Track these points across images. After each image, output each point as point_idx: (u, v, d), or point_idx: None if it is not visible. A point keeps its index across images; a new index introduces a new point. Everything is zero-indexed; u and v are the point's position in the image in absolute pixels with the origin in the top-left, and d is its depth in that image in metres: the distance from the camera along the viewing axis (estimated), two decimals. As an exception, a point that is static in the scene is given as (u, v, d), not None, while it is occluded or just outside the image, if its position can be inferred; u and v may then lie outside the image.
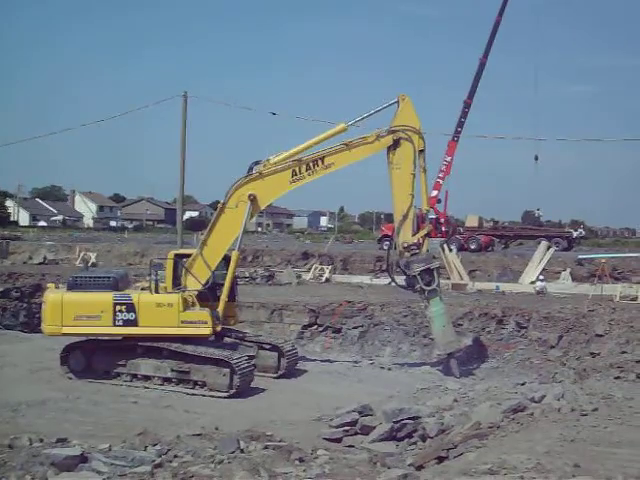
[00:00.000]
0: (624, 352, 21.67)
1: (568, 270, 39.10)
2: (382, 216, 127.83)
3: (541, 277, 35.80)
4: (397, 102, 23.99)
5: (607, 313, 26.29)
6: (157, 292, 22.30)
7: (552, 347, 25.73)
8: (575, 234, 68.91)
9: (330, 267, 42.65)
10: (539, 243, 44.41)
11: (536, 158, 61.30)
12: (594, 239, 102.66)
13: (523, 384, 20.16)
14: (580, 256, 46.67)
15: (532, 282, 37.09)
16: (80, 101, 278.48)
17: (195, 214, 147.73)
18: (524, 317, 27.27)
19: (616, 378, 19.09)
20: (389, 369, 25.45)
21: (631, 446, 11.82)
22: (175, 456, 10.16)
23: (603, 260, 39.18)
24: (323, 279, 40.38)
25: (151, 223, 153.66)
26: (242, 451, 10.72)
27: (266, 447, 11.25)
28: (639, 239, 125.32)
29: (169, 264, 23.12)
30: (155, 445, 11.06)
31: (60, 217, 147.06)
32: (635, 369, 19.20)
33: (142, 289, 23.03)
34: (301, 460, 10.93)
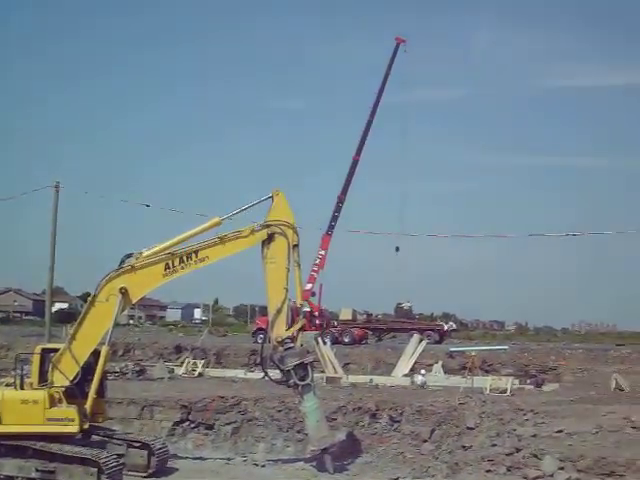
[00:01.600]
0: (494, 445, 21.99)
1: (440, 363, 39.76)
2: (257, 309, 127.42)
3: (422, 372, 36.19)
4: (271, 197, 24.20)
5: (478, 406, 26.67)
6: (22, 388, 21.58)
7: (425, 441, 25.84)
8: (446, 327, 70.47)
9: (203, 361, 42.16)
10: (411, 336, 45.12)
11: (397, 249, 62.81)
12: (465, 331, 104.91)
13: (396, 479, 20.14)
14: (451, 349, 47.59)
15: (406, 375, 37.52)
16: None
17: (65, 306, 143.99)
18: (397, 411, 27.37)
19: (487, 472, 19.37)
20: (263, 466, 25.07)
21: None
22: None
23: (473, 353, 40.07)
24: (196, 373, 39.84)
25: (19, 315, 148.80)
26: None
27: None
28: (508, 332, 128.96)
29: (35, 359, 22.37)
30: None
31: None
32: (505, 462, 19.49)
33: (7, 385, 22.25)
34: None
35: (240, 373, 39.96)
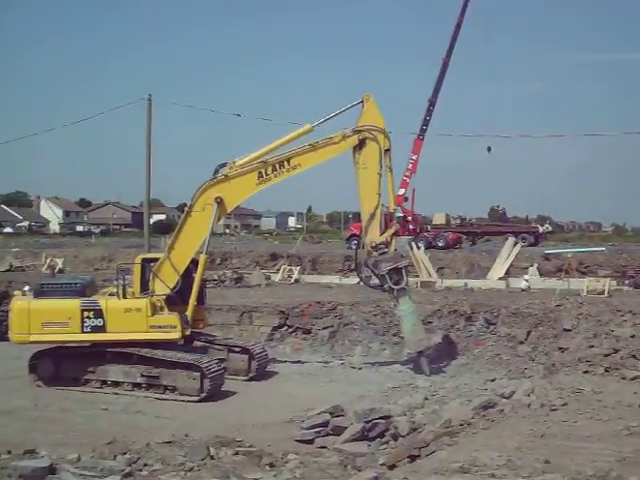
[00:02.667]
0: (592, 346, 21.81)
1: (535, 265, 39.29)
2: (350, 215, 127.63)
3: (526, 276, 35.70)
4: (362, 102, 24.02)
5: (574, 307, 26.42)
6: (125, 297, 22.18)
7: (521, 343, 25.82)
8: (542, 229, 69.38)
9: (299, 268, 42.55)
10: (506, 239, 44.67)
11: (489, 149, 61.62)
12: (561, 234, 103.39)
13: (493, 380, 20.23)
14: (547, 251, 46.96)
15: (501, 278, 37.30)
16: (46, 106, 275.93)
17: (162, 217, 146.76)
18: (493, 313, 27.36)
19: (585, 372, 19.26)
20: (359, 369, 25.46)
21: (601, 440, 11.91)
22: (145, 465, 10.08)
23: (570, 255, 39.52)
24: (292, 280, 40.25)
25: (118, 227, 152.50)
26: (212, 458, 10.67)
27: (236, 453, 11.20)
28: (605, 233, 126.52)
29: (137, 269, 23.00)
30: (124, 454, 10.96)
31: (25, 223, 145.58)
32: (603, 363, 19.38)
33: (110, 295, 22.86)
34: (271, 465, 10.91)
35: (335, 279, 40.22)
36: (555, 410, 14.11)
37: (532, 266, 39.08)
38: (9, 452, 10.68)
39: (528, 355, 25.05)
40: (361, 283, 26.67)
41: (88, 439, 14.74)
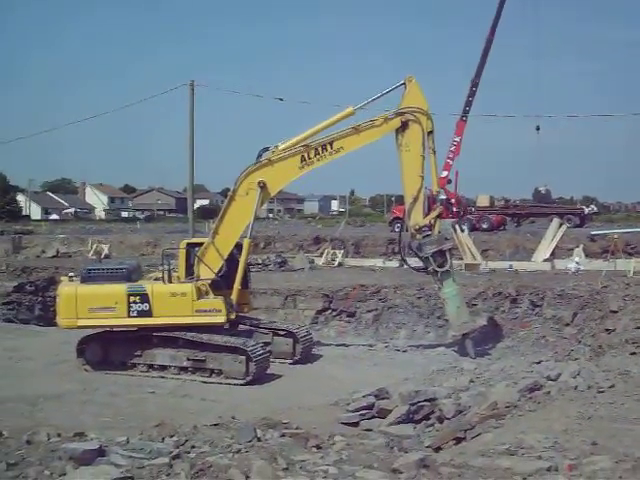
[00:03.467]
0: (639, 327, 21.59)
1: (581, 246, 38.91)
2: (393, 198, 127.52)
3: (576, 259, 35.30)
4: (404, 84, 23.91)
5: (621, 289, 26.19)
6: (170, 282, 22.35)
7: (567, 325, 25.67)
8: (587, 210, 68.78)
9: (342, 251, 42.59)
10: (551, 220, 44.29)
11: (537, 128, 60.84)
12: (606, 215, 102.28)
13: (539, 363, 20.06)
14: (592, 232, 46.51)
15: (546, 259, 37.04)
16: (89, 93, 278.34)
17: (206, 202, 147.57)
18: (538, 295, 27.19)
19: (632, 354, 19.05)
20: (404, 351, 25.50)
21: (649, 422, 11.80)
22: (193, 447, 10.17)
23: (615, 236, 39.02)
24: (335, 263, 40.31)
25: (162, 213, 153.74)
26: (259, 440, 10.74)
27: (283, 435, 11.27)
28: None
29: (181, 253, 23.17)
30: (172, 436, 11.06)
31: (72, 210, 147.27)
32: (651, 344, 19.16)
33: (155, 279, 23.05)
34: (318, 447, 10.95)
35: (378, 262, 40.23)
36: (602, 392, 13.98)
37: (578, 247, 38.70)
38: (59, 435, 10.83)
39: (574, 337, 24.91)
40: (405, 266, 26.63)
41: (136, 422, 14.90)
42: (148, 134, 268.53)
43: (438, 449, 13.02)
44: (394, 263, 37.13)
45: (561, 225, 41.02)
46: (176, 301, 21.88)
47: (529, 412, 13.60)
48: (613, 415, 12.36)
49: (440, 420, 15.66)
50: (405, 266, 26.60)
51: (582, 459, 9.88)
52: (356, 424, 16.39)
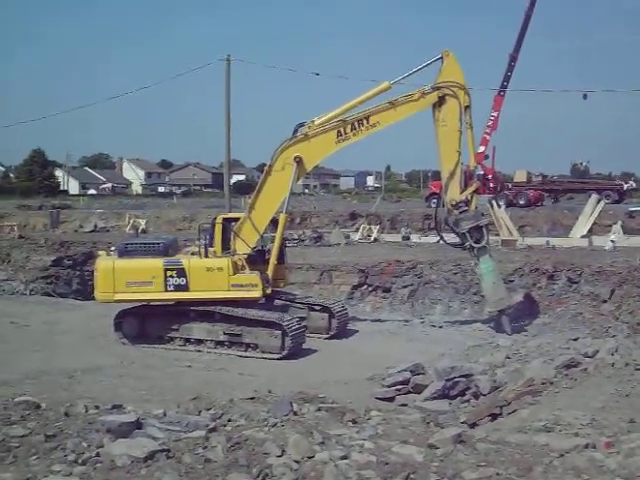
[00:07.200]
0: (678, 304, 21.45)
1: (619, 223, 38.56)
2: (429, 174, 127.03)
3: (613, 237, 34.98)
4: (441, 58, 23.70)
5: (660, 265, 25.92)
6: (207, 257, 22.43)
7: (604, 301, 25.45)
8: (626, 186, 67.98)
9: (378, 227, 42.54)
10: (589, 196, 43.92)
11: (584, 97, 59.92)
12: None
13: (576, 339, 19.97)
14: (631, 208, 46.10)
15: (584, 236, 36.77)
16: (126, 69, 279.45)
17: (242, 178, 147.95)
18: (575, 272, 26.96)
19: (670, 331, 18.92)
20: (440, 327, 25.46)
21: (687, 399, 11.70)
22: (229, 420, 10.21)
23: (654, 211, 38.59)
24: (371, 239, 40.30)
25: (199, 188, 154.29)
26: (295, 414, 10.76)
27: (319, 409, 11.27)
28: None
29: (218, 228, 23.18)
30: (209, 409, 11.13)
31: (109, 185, 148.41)
32: (689, 321, 19.00)
33: (192, 254, 23.13)
34: (354, 421, 10.97)
35: (415, 237, 40.16)
36: (639, 369, 13.90)
37: (616, 224, 38.36)
38: (97, 407, 10.93)
39: (612, 314, 24.70)
40: (441, 241, 26.54)
41: (173, 395, 15.01)
42: (185, 109, 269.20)
43: (474, 425, 13.02)
44: (430, 238, 37.03)
45: (599, 201, 40.65)
46: (212, 275, 21.95)
47: (566, 389, 13.56)
48: (651, 393, 12.28)
49: (476, 396, 15.65)
50: (442, 241, 26.47)
51: (620, 436, 9.82)
52: (391, 399, 16.42)
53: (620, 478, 8.18)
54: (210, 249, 22.71)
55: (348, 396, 15.31)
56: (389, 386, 17.00)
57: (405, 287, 28.66)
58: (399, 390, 16.78)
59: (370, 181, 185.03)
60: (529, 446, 9.44)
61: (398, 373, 17.38)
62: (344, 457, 8.50)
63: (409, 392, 16.74)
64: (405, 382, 16.97)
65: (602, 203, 40.70)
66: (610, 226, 38.48)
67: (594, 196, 42.49)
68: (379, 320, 26.51)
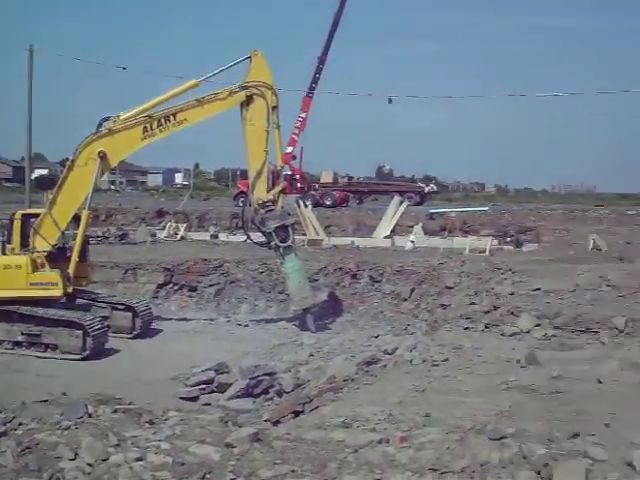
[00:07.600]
0: (473, 303, 22.27)
1: (420, 224, 39.97)
2: (238, 172, 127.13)
3: (412, 238, 36.03)
4: (250, 58, 23.77)
5: (457, 266, 26.99)
6: (4, 254, 21.62)
7: (405, 300, 26.29)
8: (427, 189, 70.61)
9: (185, 225, 42.22)
10: (392, 198, 45.21)
11: (390, 101, 61.51)
12: (445, 194, 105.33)
13: (377, 337, 20.49)
14: (431, 210, 47.81)
15: (387, 236, 37.78)
16: None
17: (45, 172, 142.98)
18: (377, 271, 27.71)
19: (465, 329, 19.63)
20: (246, 326, 25.51)
21: (479, 394, 12.19)
22: (20, 424, 9.83)
23: (453, 214, 40.28)
24: (178, 237, 39.95)
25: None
26: (90, 416, 10.47)
27: (115, 411, 11.03)
28: (488, 194, 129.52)
29: (16, 224, 22.31)
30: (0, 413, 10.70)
31: None
32: (483, 319, 19.76)
33: (-12, 251, 22.19)
34: (151, 422, 10.80)
35: (223, 236, 40.11)
36: (436, 365, 14.37)
37: (417, 225, 39.75)
38: None
39: (411, 312, 25.55)
40: (248, 240, 26.62)
41: (-37, 399, 14.31)
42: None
43: (277, 423, 13.10)
44: (237, 237, 37.07)
45: (401, 203, 41.92)
46: (10, 273, 21.21)
47: (366, 385, 13.84)
48: (446, 388, 12.71)
49: (279, 394, 15.79)
50: (248, 240, 26.54)
51: (415, 430, 10.11)
52: (195, 399, 16.36)
53: (410, 472, 8.42)
54: (8, 246, 21.88)
55: (150, 396, 15.10)
56: (193, 386, 16.93)
57: (211, 286, 28.54)
58: (203, 389, 16.73)
59: (179, 178, 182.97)
60: (325, 442, 9.59)
61: (202, 372, 17.33)
62: (139, 459, 8.39)
63: (213, 391, 16.72)
64: (209, 381, 16.95)
65: (404, 205, 41.98)
66: (412, 227, 39.79)
67: (397, 198, 43.84)
68: (184, 319, 26.27)
